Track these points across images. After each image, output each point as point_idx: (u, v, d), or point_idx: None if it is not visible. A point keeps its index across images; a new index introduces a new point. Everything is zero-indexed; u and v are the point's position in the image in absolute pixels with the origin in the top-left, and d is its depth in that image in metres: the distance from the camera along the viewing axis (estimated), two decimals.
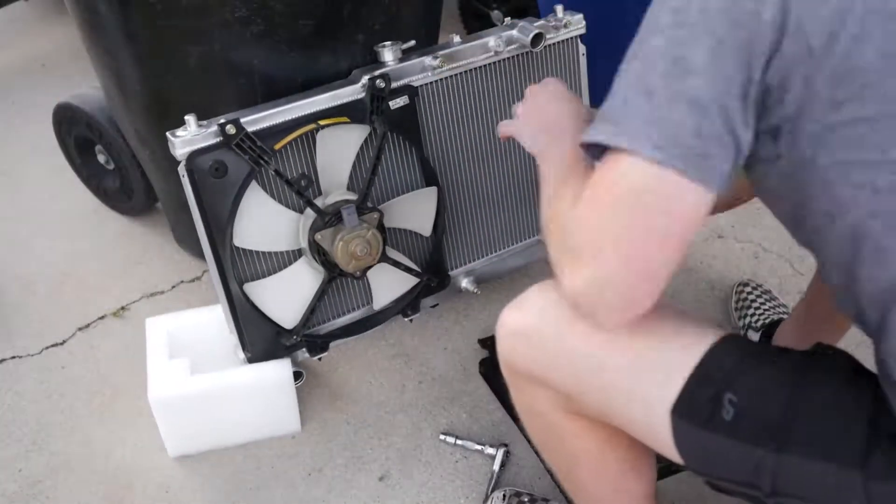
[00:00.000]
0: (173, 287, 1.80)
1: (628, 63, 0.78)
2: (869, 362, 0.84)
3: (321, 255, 1.34)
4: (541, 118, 1.05)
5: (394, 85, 1.34)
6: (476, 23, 2.54)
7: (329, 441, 1.47)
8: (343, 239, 1.30)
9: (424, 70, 1.37)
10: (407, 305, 1.48)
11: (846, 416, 0.79)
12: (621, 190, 0.76)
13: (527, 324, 0.95)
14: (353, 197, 1.34)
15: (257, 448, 1.46)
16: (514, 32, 1.42)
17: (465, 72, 1.41)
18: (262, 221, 1.30)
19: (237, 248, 1.30)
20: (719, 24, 0.72)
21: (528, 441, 1.32)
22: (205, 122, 1.24)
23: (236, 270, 1.31)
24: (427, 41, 1.54)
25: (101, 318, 1.74)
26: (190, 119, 1.22)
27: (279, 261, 1.36)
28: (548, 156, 0.99)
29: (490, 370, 1.47)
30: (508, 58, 1.44)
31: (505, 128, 1.12)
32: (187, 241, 1.78)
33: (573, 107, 1.06)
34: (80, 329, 1.71)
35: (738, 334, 1.09)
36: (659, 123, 0.74)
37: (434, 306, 1.58)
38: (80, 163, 1.98)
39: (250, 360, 1.39)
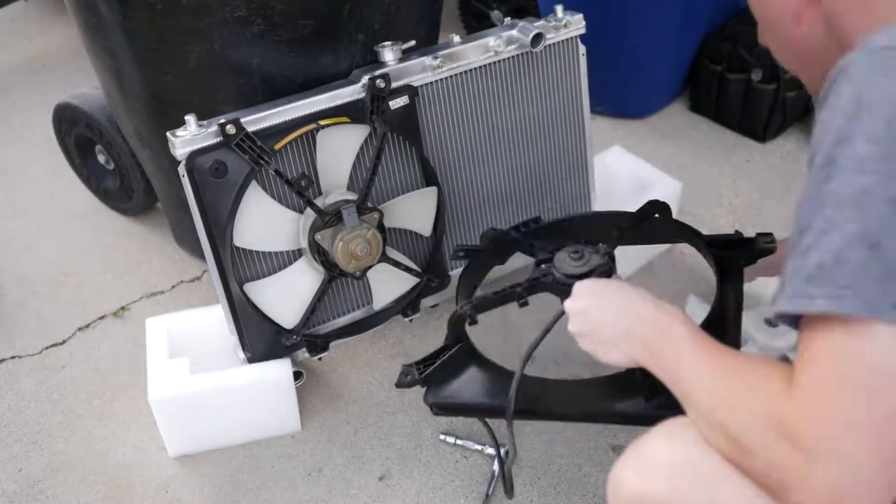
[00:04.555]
0: (173, 287, 1.80)
1: (818, 211, 0.67)
2: None
3: (321, 255, 1.34)
4: (608, 322, 0.96)
5: (394, 85, 1.34)
6: (476, 23, 2.54)
7: (329, 441, 1.47)
8: (343, 239, 1.30)
9: (424, 70, 1.37)
10: (407, 305, 1.48)
11: None
12: (866, 368, 0.64)
13: (654, 491, 0.80)
14: (353, 197, 1.34)
15: (257, 448, 1.46)
16: (514, 32, 1.42)
17: (465, 72, 1.41)
18: (262, 221, 1.30)
19: (237, 248, 1.30)
20: None
21: None
22: (205, 122, 1.24)
23: (236, 270, 1.31)
24: (427, 41, 1.54)
25: (101, 318, 1.74)
26: (190, 119, 1.22)
27: (279, 261, 1.36)
28: (657, 353, 0.88)
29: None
30: (508, 58, 1.44)
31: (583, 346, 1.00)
32: (187, 241, 1.78)
33: (631, 291, 0.97)
34: (80, 329, 1.71)
35: None
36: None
37: (434, 306, 1.58)
38: (80, 163, 1.98)
39: (250, 360, 1.39)
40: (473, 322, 1.14)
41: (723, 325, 1.10)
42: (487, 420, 1.25)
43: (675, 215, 1.81)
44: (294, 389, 1.42)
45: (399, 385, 1.15)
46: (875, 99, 0.67)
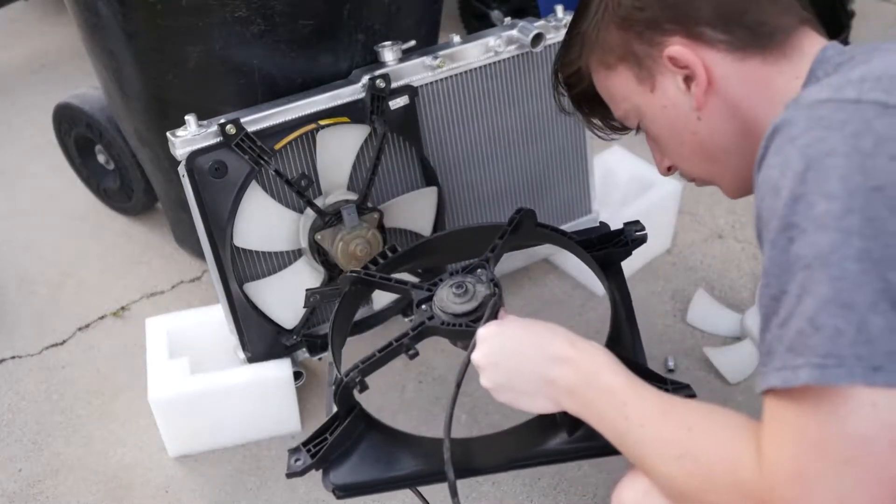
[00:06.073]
0: (173, 287, 1.80)
1: (789, 276, 0.65)
2: None
3: (321, 255, 1.34)
4: (524, 371, 0.86)
5: (394, 85, 1.34)
6: (476, 23, 2.54)
7: None
8: (343, 239, 1.30)
9: (424, 70, 1.37)
10: (407, 305, 1.48)
11: None
12: (850, 440, 0.62)
13: None
14: (353, 197, 1.34)
15: (257, 448, 1.46)
16: (514, 32, 1.42)
17: (465, 72, 1.41)
18: (262, 221, 1.30)
19: (237, 248, 1.30)
20: None
21: None
22: (205, 122, 1.24)
23: (236, 270, 1.31)
24: (427, 41, 1.54)
25: (101, 318, 1.74)
26: (190, 119, 1.22)
27: (279, 261, 1.36)
28: (589, 403, 0.82)
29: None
30: (508, 58, 1.44)
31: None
32: (187, 241, 1.78)
33: (541, 329, 0.88)
34: (80, 329, 1.71)
35: None
36: (871, 341, 0.61)
37: None
38: (80, 163, 1.98)
39: (250, 360, 1.39)
40: (364, 388, 0.99)
41: (631, 324, 1.05)
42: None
43: (674, 215, 1.83)
44: (294, 389, 1.42)
45: (290, 474, 0.96)
46: (822, 153, 0.65)
